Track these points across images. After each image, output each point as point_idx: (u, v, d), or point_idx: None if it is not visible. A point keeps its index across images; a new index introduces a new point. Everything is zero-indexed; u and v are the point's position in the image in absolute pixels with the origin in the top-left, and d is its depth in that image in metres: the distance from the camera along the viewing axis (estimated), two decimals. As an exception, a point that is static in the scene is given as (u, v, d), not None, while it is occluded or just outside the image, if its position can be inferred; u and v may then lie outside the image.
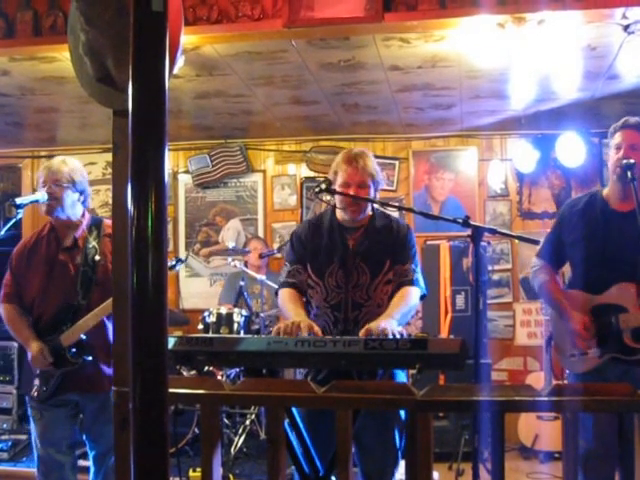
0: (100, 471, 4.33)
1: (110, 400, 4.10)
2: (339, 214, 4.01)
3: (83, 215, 4.44)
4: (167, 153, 1.32)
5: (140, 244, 1.28)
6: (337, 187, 3.92)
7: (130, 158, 1.30)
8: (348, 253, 3.91)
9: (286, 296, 3.95)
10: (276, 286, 7.07)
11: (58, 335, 4.21)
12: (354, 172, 3.89)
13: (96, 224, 4.43)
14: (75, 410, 4.37)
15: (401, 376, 3.82)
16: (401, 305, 3.77)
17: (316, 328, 3.56)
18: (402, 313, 3.73)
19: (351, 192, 3.86)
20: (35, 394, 4.27)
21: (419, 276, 3.94)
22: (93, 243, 4.32)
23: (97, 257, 4.28)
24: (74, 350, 4.21)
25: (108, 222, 4.41)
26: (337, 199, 3.98)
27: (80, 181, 4.36)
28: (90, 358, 4.21)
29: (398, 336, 3.41)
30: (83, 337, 4.21)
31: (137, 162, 1.30)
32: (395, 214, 5.06)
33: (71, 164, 4.39)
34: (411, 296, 3.86)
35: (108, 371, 4.21)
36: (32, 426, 4.42)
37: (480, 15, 4.63)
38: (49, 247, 4.39)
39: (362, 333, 3.44)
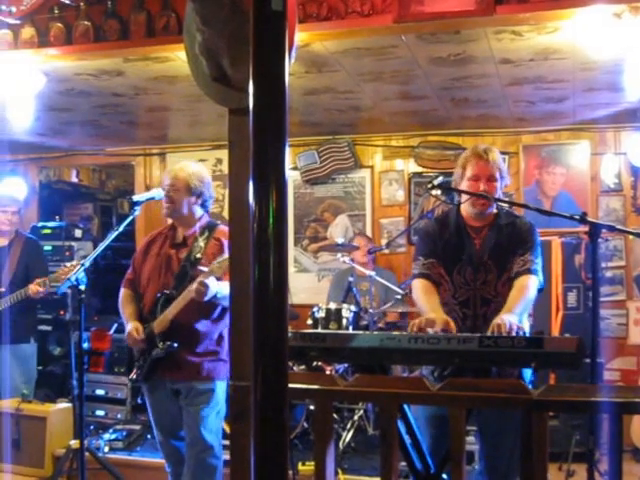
0: (189, 461, 4.56)
1: (195, 390, 4.47)
2: (466, 210, 4.03)
3: (201, 217, 4.69)
4: (287, 151, 1.32)
5: (262, 241, 1.29)
6: (465, 181, 3.99)
7: (251, 156, 1.31)
8: (475, 251, 3.94)
9: (420, 287, 3.98)
10: (385, 282, 7.12)
11: (152, 322, 4.53)
12: (484, 165, 3.95)
13: (210, 227, 4.67)
14: (178, 398, 4.61)
15: (527, 374, 3.77)
16: (520, 298, 3.77)
17: (452, 324, 3.57)
18: (522, 307, 3.76)
19: (481, 185, 3.92)
20: (133, 376, 4.64)
21: (538, 267, 3.93)
22: (201, 243, 4.56)
23: (198, 255, 4.53)
24: (162, 336, 4.49)
25: (222, 228, 4.62)
26: (463, 197, 4.02)
27: (196, 185, 4.59)
28: (175, 345, 4.47)
29: (521, 332, 3.41)
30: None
31: (258, 160, 1.31)
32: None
33: (190, 170, 4.64)
34: (530, 287, 3.85)
35: (193, 360, 4.51)
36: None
37: (595, 5, 4.51)
38: (164, 243, 4.70)
39: (491, 330, 3.44)
